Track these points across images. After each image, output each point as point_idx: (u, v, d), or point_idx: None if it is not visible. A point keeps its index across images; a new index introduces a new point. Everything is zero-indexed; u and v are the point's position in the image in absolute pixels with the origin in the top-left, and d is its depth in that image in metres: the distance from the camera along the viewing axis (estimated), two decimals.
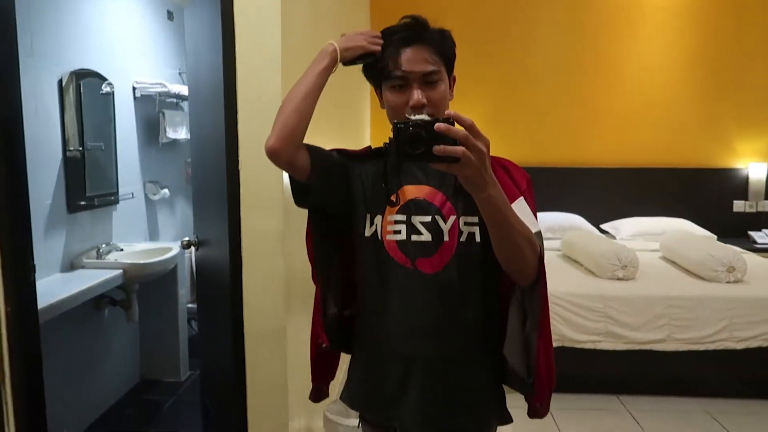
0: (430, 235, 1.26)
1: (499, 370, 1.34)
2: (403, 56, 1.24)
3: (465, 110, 1.02)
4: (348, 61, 1.30)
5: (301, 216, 1.42)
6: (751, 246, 4.52)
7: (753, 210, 4.95)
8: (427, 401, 1.28)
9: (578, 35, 4.92)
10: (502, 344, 1.32)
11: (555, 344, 1.76)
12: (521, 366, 1.27)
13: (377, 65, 1.28)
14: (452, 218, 1.26)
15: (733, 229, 4.85)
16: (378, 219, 1.30)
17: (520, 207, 1.20)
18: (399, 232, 1.28)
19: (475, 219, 1.25)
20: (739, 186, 4.95)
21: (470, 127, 0.99)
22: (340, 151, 1.38)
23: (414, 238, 1.27)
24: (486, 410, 1.33)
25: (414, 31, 1.26)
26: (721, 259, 3.45)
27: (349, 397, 1.42)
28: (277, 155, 1.22)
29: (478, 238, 1.26)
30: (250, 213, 2.08)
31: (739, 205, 4.96)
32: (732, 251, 3.55)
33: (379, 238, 1.29)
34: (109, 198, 3.15)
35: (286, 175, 2.08)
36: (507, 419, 1.36)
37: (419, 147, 1.01)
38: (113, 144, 3.20)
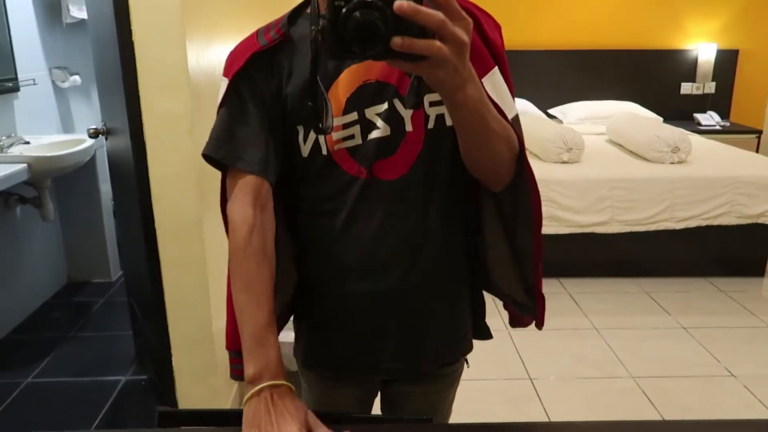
0: (389, 128, 0.92)
1: (482, 277, 1.08)
2: None
3: None
4: None
5: (210, 96, 1.20)
6: (696, 128, 4.48)
7: (700, 92, 4.88)
8: (405, 341, 1.03)
9: None
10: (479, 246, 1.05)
11: None
12: (518, 290, 1.02)
13: None
14: None
15: (680, 112, 4.79)
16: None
17: (495, 82, 0.88)
18: (352, 136, 0.92)
19: None
20: (688, 68, 4.85)
21: (447, 5, 0.62)
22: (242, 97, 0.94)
23: (370, 136, 0.92)
24: (465, 333, 1.10)
25: None
26: (666, 140, 3.38)
27: (305, 353, 1.10)
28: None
29: (449, 122, 0.91)
30: (150, 94, 1.84)
31: (686, 87, 4.88)
32: (677, 132, 3.48)
33: (323, 151, 0.94)
34: (7, 84, 2.81)
35: (190, 52, 1.83)
36: (486, 335, 1.14)
37: (374, 45, 0.61)
38: (5, 23, 2.81)
